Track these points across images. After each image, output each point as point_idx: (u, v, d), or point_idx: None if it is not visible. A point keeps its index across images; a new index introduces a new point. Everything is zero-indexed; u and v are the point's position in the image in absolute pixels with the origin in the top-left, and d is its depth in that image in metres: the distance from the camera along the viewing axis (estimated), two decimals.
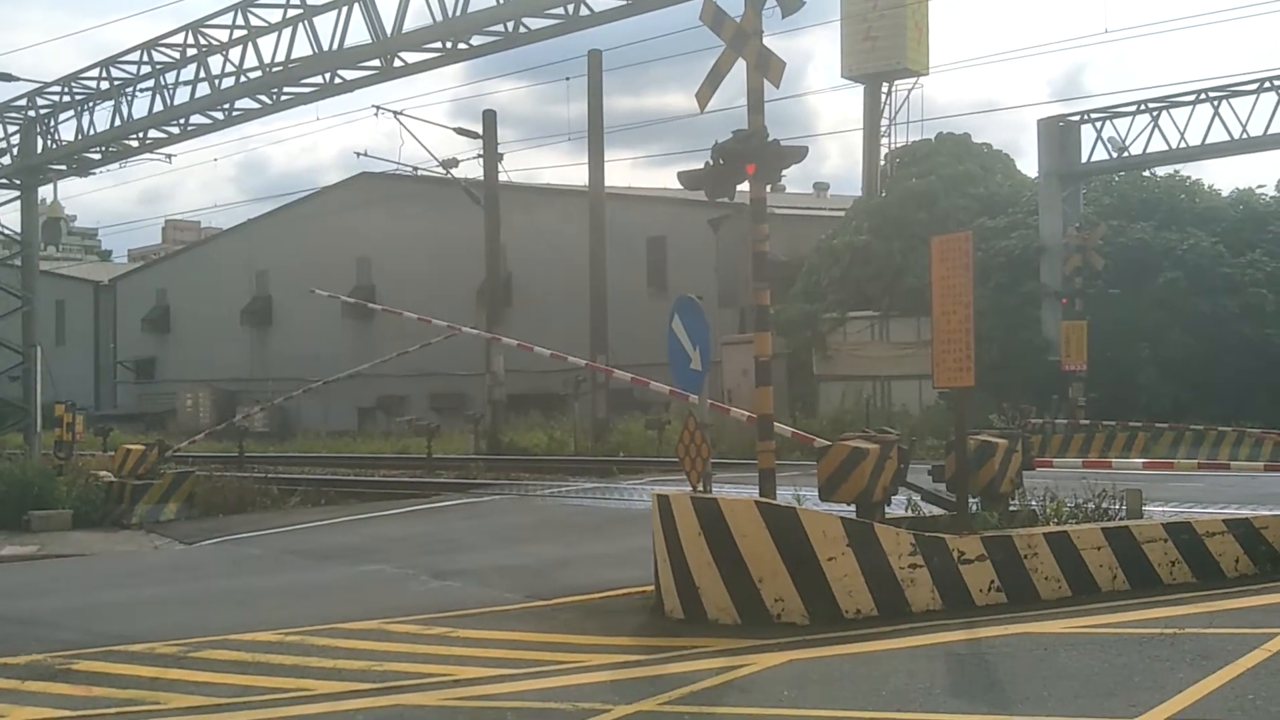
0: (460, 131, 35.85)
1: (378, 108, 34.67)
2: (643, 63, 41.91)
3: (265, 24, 20.50)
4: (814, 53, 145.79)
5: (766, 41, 10.69)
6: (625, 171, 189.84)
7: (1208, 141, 30.60)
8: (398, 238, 48.10)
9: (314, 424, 46.96)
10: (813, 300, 37.09)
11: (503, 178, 35.75)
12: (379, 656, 8.77)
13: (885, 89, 45.06)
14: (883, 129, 45.03)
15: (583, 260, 34.51)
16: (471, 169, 36.63)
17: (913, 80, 44.83)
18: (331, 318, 51.34)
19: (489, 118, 35.14)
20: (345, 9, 18.93)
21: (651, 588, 10.14)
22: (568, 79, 34.85)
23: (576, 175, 32.95)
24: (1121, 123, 32.14)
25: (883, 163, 43.47)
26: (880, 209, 38.46)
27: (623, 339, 34.79)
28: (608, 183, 35.27)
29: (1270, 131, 29.66)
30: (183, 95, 22.04)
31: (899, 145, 43.85)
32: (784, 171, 11.02)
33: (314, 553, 15.05)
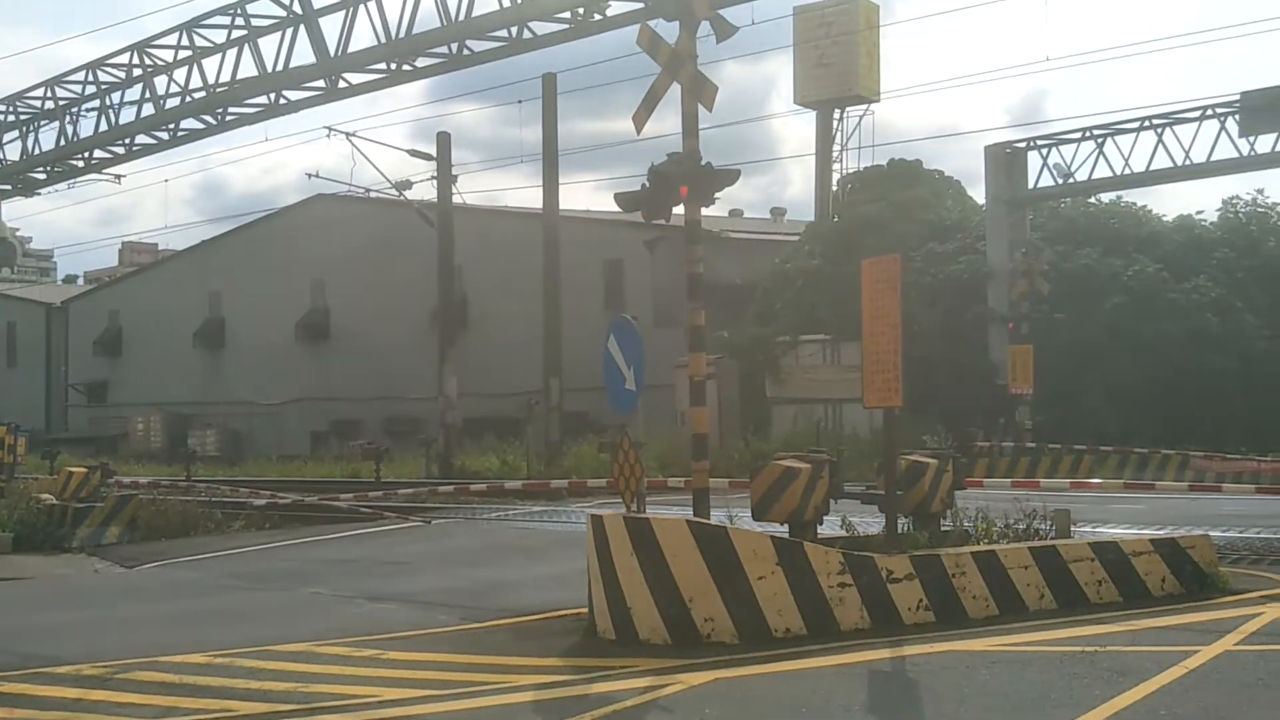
0: (413, 153, 35.84)
1: (330, 129, 34.59)
2: (605, 85, 42.64)
3: (210, 44, 20.48)
4: (778, 78, 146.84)
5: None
6: (587, 194, 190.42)
7: (1152, 168, 31.05)
8: (352, 260, 47.95)
9: (266, 448, 46.57)
10: (766, 324, 37.30)
11: (459, 200, 35.78)
12: (306, 678, 8.72)
13: (837, 115, 45.52)
14: (835, 154, 45.48)
15: (539, 282, 34.57)
16: (427, 190, 36.69)
17: (864, 106, 45.33)
18: (284, 340, 51.09)
19: (442, 139, 35.15)
20: (289, 31, 18.97)
21: (586, 609, 10.16)
22: (520, 102, 35.00)
23: (537, 198, 33.35)
24: (1067, 149, 32.57)
25: (835, 188, 43.86)
26: (832, 233, 38.81)
27: (579, 361, 34.71)
28: (568, 205, 35.43)
29: (1213, 158, 30.13)
30: (128, 115, 21.96)
31: (852, 170, 44.30)
32: (738, 195, 11.25)
33: (254, 576, 14.93)
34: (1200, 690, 7.39)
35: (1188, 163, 30.51)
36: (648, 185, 11.07)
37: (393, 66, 18.30)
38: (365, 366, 47.35)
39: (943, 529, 11.18)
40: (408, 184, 36.61)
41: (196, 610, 12.63)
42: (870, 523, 11.89)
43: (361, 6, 17.94)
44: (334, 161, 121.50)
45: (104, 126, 22.07)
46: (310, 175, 38.27)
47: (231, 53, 19.74)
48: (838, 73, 43.75)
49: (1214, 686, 7.45)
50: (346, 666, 9.14)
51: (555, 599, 11.42)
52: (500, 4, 16.49)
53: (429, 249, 36.05)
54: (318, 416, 49.02)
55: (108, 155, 23.20)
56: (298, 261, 50.03)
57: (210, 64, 20.05)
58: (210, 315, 55.35)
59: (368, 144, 36.01)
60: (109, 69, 21.75)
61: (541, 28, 16.81)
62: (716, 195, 10.83)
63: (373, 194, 39.44)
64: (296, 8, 18.55)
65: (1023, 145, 33.78)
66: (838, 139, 45.49)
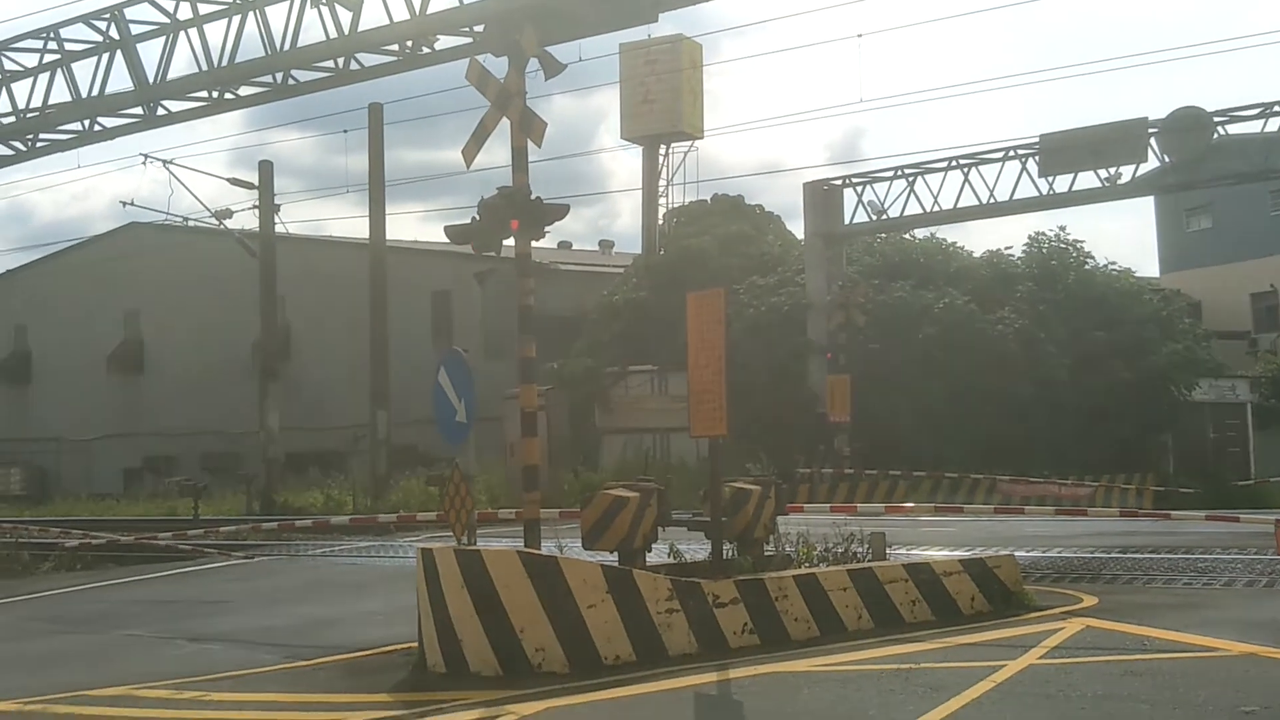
0: (234, 182, 35.01)
1: (146, 156, 33.49)
2: (435, 115, 42.16)
3: (21, 68, 19.69)
4: (606, 112, 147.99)
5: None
6: (415, 224, 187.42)
7: (959, 206, 32.52)
8: (169, 290, 46.45)
9: (75, 486, 44.49)
10: (595, 355, 37.63)
11: (282, 229, 35.08)
12: None
13: (663, 150, 46.41)
14: (661, 189, 46.31)
15: (365, 313, 34.10)
16: (248, 220, 35.86)
17: (689, 143, 46.31)
18: (96, 373, 49.06)
19: (265, 168, 34.51)
20: (106, 56, 18.37)
21: (416, 643, 10.12)
22: (346, 131, 34.50)
23: (363, 227, 32.83)
24: (881, 187, 33.83)
25: (661, 222, 44.63)
26: (658, 267, 39.51)
27: (406, 393, 34.31)
28: (395, 236, 35.00)
29: (1015, 197, 31.80)
30: None
31: (678, 205, 45.17)
32: (568, 227, 11.45)
33: (66, 619, 14.36)
34: (1005, 703, 7.83)
35: (992, 201, 32.05)
36: (478, 218, 11.18)
37: (214, 95, 17.92)
38: (182, 400, 45.83)
39: (766, 554, 11.52)
40: (228, 213, 35.75)
41: (2, 656, 12.06)
42: (697, 549, 12.19)
43: (182, 33, 17.52)
44: (150, 189, 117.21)
45: None
46: (125, 203, 37.09)
47: (44, 77, 19.01)
48: (662, 110, 44.61)
49: (1017, 700, 7.91)
50: (169, 710, 8.88)
51: (384, 635, 11.33)
52: (326, 35, 16.33)
53: (250, 279, 35.21)
54: (131, 453, 47.15)
55: None
56: (110, 292, 48.21)
57: (20, 88, 19.29)
58: (16, 348, 52.82)
59: (186, 171, 35.08)
60: None
61: (369, 59, 16.74)
62: (546, 229, 10.99)
63: (191, 223, 38.33)
64: (113, 32, 17.99)
65: (839, 182, 34.96)
66: (664, 174, 46.38)
